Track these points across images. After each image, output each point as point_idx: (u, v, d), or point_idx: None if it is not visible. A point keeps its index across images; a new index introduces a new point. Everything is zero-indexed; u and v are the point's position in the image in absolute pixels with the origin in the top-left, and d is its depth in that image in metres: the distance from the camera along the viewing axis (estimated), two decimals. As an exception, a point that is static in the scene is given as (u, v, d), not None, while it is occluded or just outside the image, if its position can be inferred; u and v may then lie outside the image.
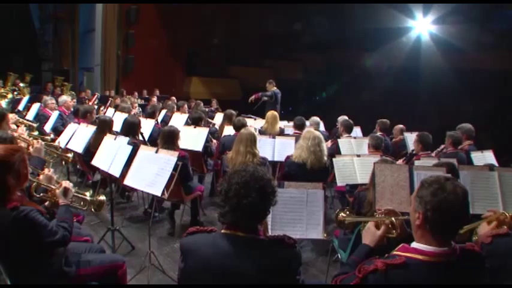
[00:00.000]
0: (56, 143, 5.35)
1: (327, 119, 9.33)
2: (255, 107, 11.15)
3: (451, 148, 6.06)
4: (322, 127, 8.56)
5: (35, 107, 8.56)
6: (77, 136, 6.20)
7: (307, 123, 7.96)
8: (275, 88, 11.32)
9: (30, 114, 8.34)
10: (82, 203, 3.45)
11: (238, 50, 19.60)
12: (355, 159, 5.32)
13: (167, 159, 4.17)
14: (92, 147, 5.67)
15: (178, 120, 8.48)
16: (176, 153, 4.23)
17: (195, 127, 6.87)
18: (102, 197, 3.53)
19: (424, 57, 14.39)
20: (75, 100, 11.75)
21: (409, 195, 3.17)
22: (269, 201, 2.11)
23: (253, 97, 11.21)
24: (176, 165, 4.17)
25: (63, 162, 5.32)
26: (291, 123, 7.87)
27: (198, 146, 6.49)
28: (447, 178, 1.95)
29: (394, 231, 2.45)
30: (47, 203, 3.14)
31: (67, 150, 5.78)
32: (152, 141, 6.60)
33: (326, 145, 5.41)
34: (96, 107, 9.71)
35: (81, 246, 3.28)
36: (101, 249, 3.46)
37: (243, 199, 2.03)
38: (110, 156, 4.75)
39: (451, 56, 13.27)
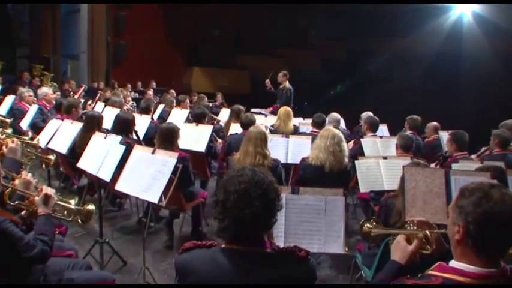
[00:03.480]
0: (35, 142, 5.34)
1: (348, 116, 9.27)
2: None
3: (497, 149, 5.92)
4: (342, 125, 8.53)
5: (9, 100, 8.54)
6: (59, 134, 6.18)
7: (326, 120, 7.90)
8: (287, 83, 11.21)
9: (3, 109, 8.31)
10: (66, 212, 3.41)
11: (247, 37, 19.58)
12: (381, 161, 5.28)
13: (165, 161, 4.20)
14: (77, 148, 5.68)
15: (178, 116, 8.49)
16: (176, 154, 4.26)
17: (197, 124, 6.87)
18: (91, 207, 3.49)
19: (466, 42, 14.18)
20: (57, 93, 11.78)
21: (445, 205, 3.14)
22: (275, 208, 2.07)
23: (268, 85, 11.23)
24: (175, 168, 4.19)
25: (44, 165, 5.30)
26: (307, 121, 7.82)
27: (201, 146, 6.49)
28: (493, 185, 1.88)
29: (428, 246, 2.40)
30: (23, 213, 3.12)
31: (48, 150, 5.79)
32: (148, 141, 6.61)
33: (347, 145, 5.39)
34: (82, 100, 9.73)
35: (63, 262, 3.25)
36: (87, 265, 3.44)
37: (245, 210, 1.98)
38: (99, 157, 4.75)
39: (498, 39, 13.02)
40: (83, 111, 7.69)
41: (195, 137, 6.54)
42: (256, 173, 2.08)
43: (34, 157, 4.92)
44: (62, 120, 6.54)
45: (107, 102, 9.22)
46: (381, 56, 16.54)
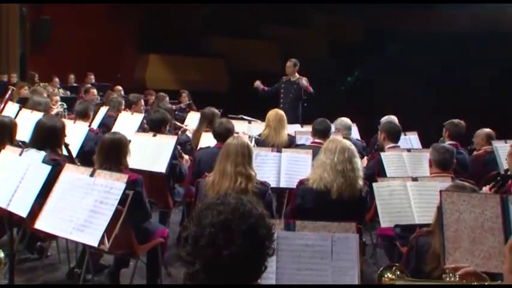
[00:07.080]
0: None
1: (363, 121, 9.30)
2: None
3: None
4: (355, 133, 8.60)
5: None
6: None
7: (333, 127, 7.92)
8: (298, 76, 11.15)
9: None
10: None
11: (225, 13, 19.60)
12: (409, 184, 5.31)
13: (109, 187, 4.24)
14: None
15: (127, 123, 8.57)
16: (125, 177, 4.30)
17: (154, 135, 6.92)
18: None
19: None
20: None
21: (502, 245, 3.11)
22: (264, 251, 2.09)
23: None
24: (124, 196, 4.22)
25: None
26: (306, 128, 7.83)
27: (160, 165, 6.49)
28: None
29: (477, 305, 2.40)
30: None
31: None
32: (85, 158, 6.62)
33: (362, 162, 5.38)
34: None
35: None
36: None
37: (223, 250, 1.99)
38: (11, 183, 4.72)
39: None
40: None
41: (152, 152, 6.57)
42: (243, 202, 2.11)
43: None
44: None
45: (23, 102, 9.19)
46: (412, 35, 16.58)
